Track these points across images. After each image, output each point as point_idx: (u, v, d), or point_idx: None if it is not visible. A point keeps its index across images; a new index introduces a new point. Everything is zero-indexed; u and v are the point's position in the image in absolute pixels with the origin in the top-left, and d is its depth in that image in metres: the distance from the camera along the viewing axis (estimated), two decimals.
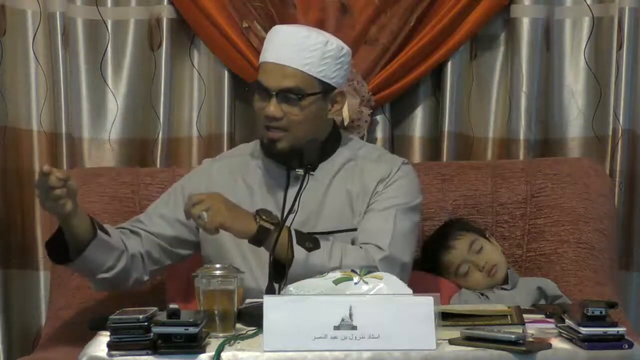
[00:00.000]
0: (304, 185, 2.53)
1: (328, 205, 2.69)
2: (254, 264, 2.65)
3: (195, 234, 2.76)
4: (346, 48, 2.70)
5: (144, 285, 2.82)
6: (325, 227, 2.67)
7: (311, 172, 2.57)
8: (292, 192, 2.59)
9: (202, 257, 2.76)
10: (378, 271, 2.38)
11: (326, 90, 2.67)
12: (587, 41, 3.50)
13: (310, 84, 2.64)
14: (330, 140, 2.76)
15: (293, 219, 2.52)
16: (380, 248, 2.58)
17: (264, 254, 2.52)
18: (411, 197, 2.73)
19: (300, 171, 2.57)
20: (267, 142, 2.67)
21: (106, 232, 2.63)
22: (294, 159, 2.62)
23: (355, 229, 2.66)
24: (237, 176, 2.77)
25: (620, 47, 3.44)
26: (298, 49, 2.62)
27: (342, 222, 2.68)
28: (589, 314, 2.09)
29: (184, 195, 2.75)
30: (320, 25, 3.28)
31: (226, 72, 3.45)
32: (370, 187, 2.70)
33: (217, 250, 2.71)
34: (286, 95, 2.62)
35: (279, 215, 2.55)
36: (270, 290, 2.43)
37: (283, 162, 2.67)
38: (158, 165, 3.45)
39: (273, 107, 2.61)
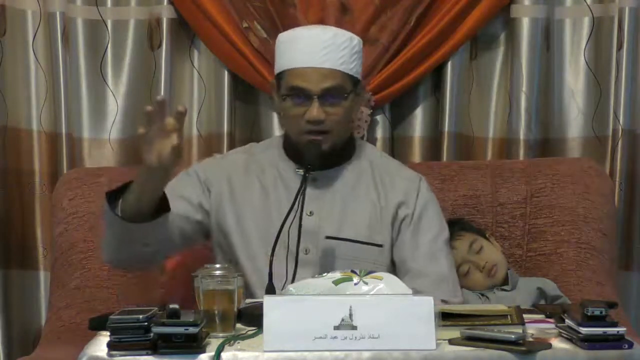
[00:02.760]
0: (304, 186, 2.54)
1: (354, 213, 2.68)
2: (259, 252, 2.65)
3: (208, 218, 2.73)
4: (360, 39, 2.72)
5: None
6: (353, 235, 2.67)
7: (311, 172, 2.57)
8: (309, 192, 2.57)
9: (213, 245, 2.75)
10: None
11: (356, 85, 2.68)
12: (587, 41, 3.50)
13: (347, 82, 2.64)
14: (350, 143, 2.77)
15: (293, 219, 2.51)
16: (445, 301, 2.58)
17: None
18: (442, 220, 2.76)
19: (301, 171, 2.58)
20: (308, 145, 2.63)
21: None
22: (333, 158, 2.64)
23: (380, 245, 2.67)
24: (252, 175, 2.75)
25: (620, 47, 3.44)
26: (330, 49, 2.62)
27: (369, 235, 2.68)
28: (589, 314, 2.09)
29: (201, 180, 2.72)
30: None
31: (226, 72, 3.46)
32: (390, 206, 2.71)
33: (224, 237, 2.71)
34: (328, 96, 2.61)
35: (294, 215, 2.53)
36: (270, 290, 2.43)
37: (303, 163, 2.63)
38: None
39: (316, 111, 2.59)
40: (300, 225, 2.52)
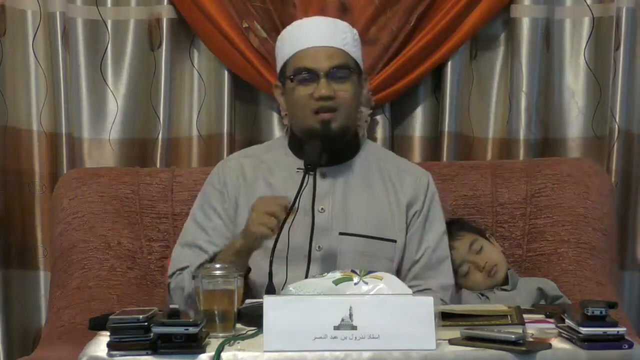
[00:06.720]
0: (304, 185, 2.53)
1: (365, 209, 2.68)
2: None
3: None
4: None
5: None
6: (366, 231, 2.67)
7: (311, 172, 2.56)
8: (319, 188, 2.58)
9: None
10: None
11: (359, 72, 2.71)
12: (587, 41, 3.50)
13: (352, 63, 2.68)
14: (355, 138, 2.77)
15: (294, 218, 2.50)
16: (443, 301, 2.63)
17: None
18: (443, 217, 2.80)
19: (301, 170, 2.58)
20: (320, 125, 2.63)
21: None
22: (341, 142, 2.66)
23: (394, 240, 2.68)
24: (258, 175, 2.74)
25: (617, 47, 3.44)
26: (332, 30, 2.69)
27: (382, 231, 2.68)
28: (589, 314, 2.09)
29: (217, 206, 2.72)
30: None
31: (226, 72, 3.46)
32: (401, 203, 2.72)
33: None
34: (335, 73, 2.63)
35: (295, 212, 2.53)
36: (270, 290, 2.43)
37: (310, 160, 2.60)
38: (158, 165, 3.45)
39: (324, 88, 2.62)
40: (313, 223, 2.53)
